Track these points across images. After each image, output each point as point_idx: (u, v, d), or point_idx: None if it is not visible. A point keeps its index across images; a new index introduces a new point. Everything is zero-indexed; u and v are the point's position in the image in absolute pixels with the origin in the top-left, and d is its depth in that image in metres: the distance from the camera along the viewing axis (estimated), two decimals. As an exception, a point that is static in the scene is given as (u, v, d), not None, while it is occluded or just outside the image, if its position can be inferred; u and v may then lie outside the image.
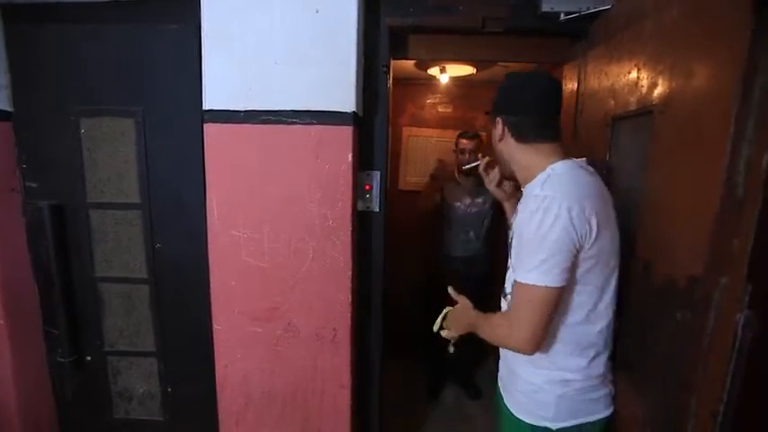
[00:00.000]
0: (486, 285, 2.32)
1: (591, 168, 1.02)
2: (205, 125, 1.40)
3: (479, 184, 2.31)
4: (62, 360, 1.62)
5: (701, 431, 0.81)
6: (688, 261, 0.85)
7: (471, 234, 2.36)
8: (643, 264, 1.02)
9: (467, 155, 2.24)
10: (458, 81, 2.92)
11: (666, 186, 0.96)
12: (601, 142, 1.28)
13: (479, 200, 2.34)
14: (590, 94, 1.42)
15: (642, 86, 1.06)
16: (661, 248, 0.96)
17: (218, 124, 1.39)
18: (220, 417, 1.58)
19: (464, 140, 2.29)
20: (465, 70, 2.59)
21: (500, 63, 2.55)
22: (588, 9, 1.31)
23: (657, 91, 0.99)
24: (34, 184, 1.55)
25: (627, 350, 1.08)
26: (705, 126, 0.82)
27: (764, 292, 0.86)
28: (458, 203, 2.35)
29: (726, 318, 0.77)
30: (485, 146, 2.29)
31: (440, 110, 3.09)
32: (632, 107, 1.12)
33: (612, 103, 1.24)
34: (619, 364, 1.08)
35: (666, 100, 0.96)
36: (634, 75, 1.11)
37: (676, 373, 0.88)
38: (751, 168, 0.74)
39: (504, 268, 1.09)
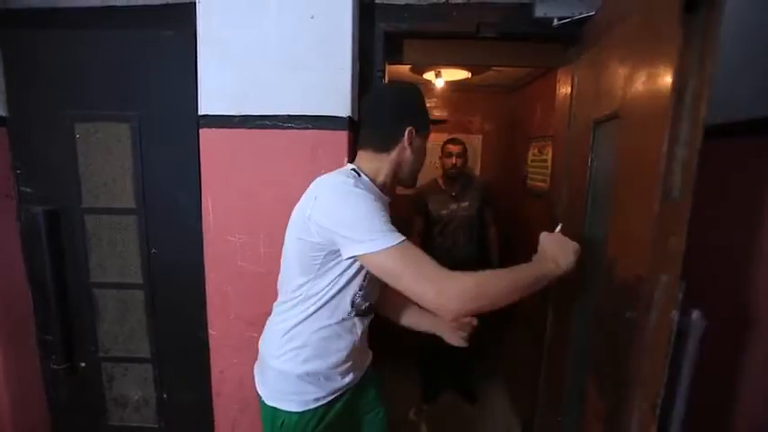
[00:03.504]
0: None
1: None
2: (201, 130, 1.40)
3: (464, 188, 2.38)
4: (56, 366, 1.61)
5: (643, 424, 0.83)
6: (637, 261, 0.89)
7: (461, 239, 2.37)
8: (608, 265, 1.05)
9: (453, 159, 2.32)
10: (453, 85, 2.94)
11: (625, 189, 1.00)
12: (585, 145, 1.30)
13: (465, 203, 2.37)
14: (580, 97, 1.44)
15: (615, 92, 1.09)
16: (621, 249, 1.00)
17: (213, 129, 1.39)
18: (216, 423, 1.57)
19: (451, 146, 2.37)
20: (460, 74, 2.61)
21: (494, 67, 2.58)
22: (581, 14, 1.33)
23: (622, 97, 1.02)
24: (29, 190, 1.54)
25: (593, 350, 1.11)
26: (650, 131, 0.86)
27: (704, 289, 0.90)
28: (444, 211, 2.36)
29: (666, 315, 0.80)
30: (467, 151, 2.41)
31: (435, 114, 3.10)
32: (606, 111, 1.14)
33: (594, 107, 1.26)
34: (590, 364, 1.11)
35: (627, 106, 0.99)
36: (609, 80, 1.14)
37: (627, 369, 0.91)
38: (685, 170, 0.78)
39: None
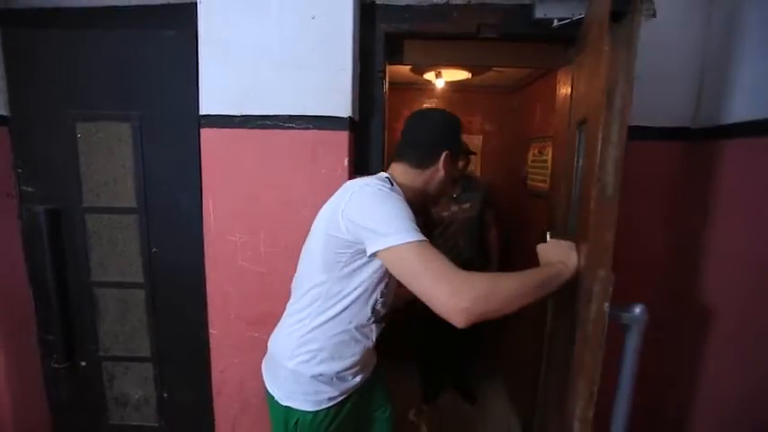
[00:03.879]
0: None
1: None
2: (202, 130, 1.41)
3: (465, 189, 2.35)
4: (57, 365, 1.61)
5: (583, 410, 0.89)
6: (586, 257, 0.93)
7: (461, 242, 2.35)
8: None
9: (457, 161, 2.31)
10: (453, 86, 2.94)
11: (583, 190, 1.05)
12: (573, 147, 1.32)
13: (466, 206, 2.34)
14: (575, 98, 1.46)
15: (585, 96, 1.12)
16: (579, 247, 1.03)
17: (214, 129, 1.40)
18: (216, 422, 1.57)
19: None
20: (460, 75, 2.61)
21: (495, 68, 2.58)
22: (581, 15, 1.33)
23: (588, 101, 1.05)
24: (30, 189, 1.55)
25: (553, 347, 1.17)
26: (593, 134, 0.91)
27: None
28: (445, 213, 2.34)
29: (601, 308, 0.85)
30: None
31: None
32: (582, 115, 1.17)
33: (577, 109, 1.28)
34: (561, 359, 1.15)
35: (589, 109, 1.02)
36: (584, 84, 1.16)
37: (573, 360, 0.96)
38: (617, 169, 0.84)
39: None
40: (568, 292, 1.01)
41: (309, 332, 1.02)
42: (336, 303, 1.00)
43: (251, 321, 1.48)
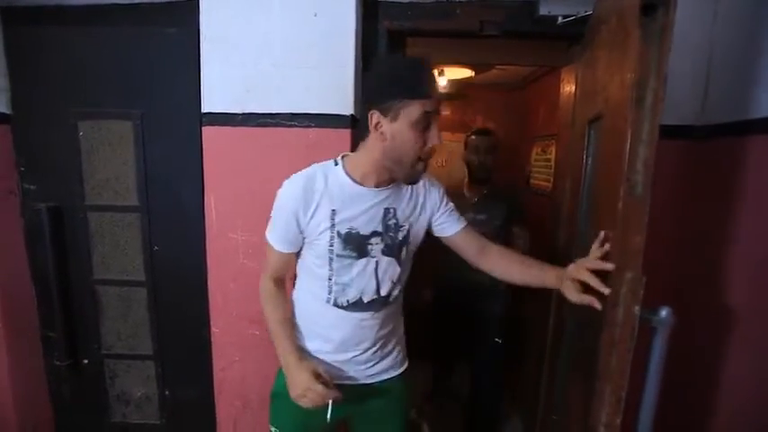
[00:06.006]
0: (502, 330, 1.91)
1: None
2: (204, 128, 1.41)
3: (489, 197, 1.87)
4: (59, 363, 1.62)
5: (610, 416, 0.86)
6: (610, 258, 0.90)
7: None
8: None
9: (479, 155, 1.86)
10: (456, 84, 2.93)
11: (601, 189, 1.03)
12: (582, 145, 1.31)
13: (482, 216, 1.82)
14: (581, 97, 1.44)
15: (600, 93, 1.10)
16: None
17: (216, 127, 1.40)
18: (218, 420, 1.57)
19: (476, 138, 1.90)
20: (463, 73, 2.61)
21: (498, 66, 2.57)
22: (585, 12, 1.32)
23: (604, 98, 1.03)
24: (32, 187, 1.55)
25: (576, 347, 1.14)
26: (618, 131, 0.88)
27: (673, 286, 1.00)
28: (464, 215, 1.98)
29: (630, 311, 0.82)
30: (500, 146, 1.95)
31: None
32: (595, 112, 1.15)
33: (589, 107, 1.26)
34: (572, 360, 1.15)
35: (607, 106, 1.00)
36: (597, 81, 1.14)
37: (598, 364, 0.93)
38: (647, 168, 0.81)
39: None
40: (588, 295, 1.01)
41: None
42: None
43: (252, 319, 1.48)
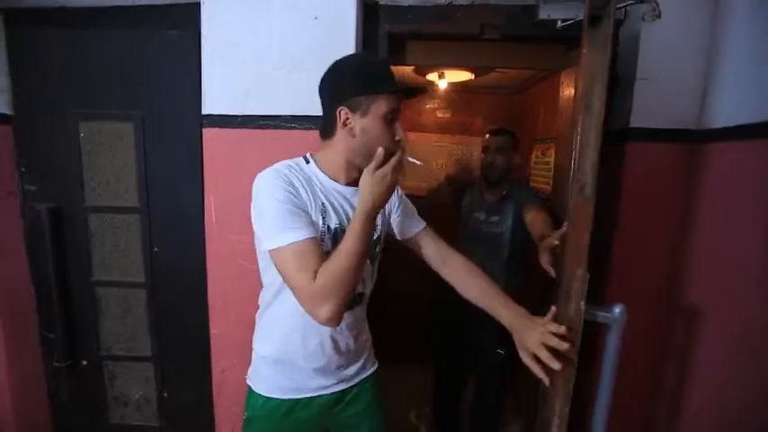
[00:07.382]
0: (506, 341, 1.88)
1: None
2: (204, 130, 1.41)
3: (502, 199, 1.78)
4: (58, 364, 1.62)
5: (561, 405, 0.91)
6: (567, 257, 0.95)
7: (487, 263, 1.60)
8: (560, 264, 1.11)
9: (491, 155, 1.77)
10: (456, 86, 2.94)
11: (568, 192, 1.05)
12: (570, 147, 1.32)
13: (494, 218, 1.75)
14: (579, 100, 1.44)
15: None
16: (562, 247, 1.05)
17: (216, 129, 1.40)
18: (217, 422, 1.57)
19: (490, 138, 1.81)
20: (463, 76, 2.61)
21: (498, 69, 2.57)
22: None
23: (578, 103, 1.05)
24: (33, 188, 1.55)
25: None
26: (570, 136, 0.93)
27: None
28: (476, 214, 1.82)
29: (578, 306, 0.86)
30: (519, 146, 1.87)
31: (438, 115, 3.10)
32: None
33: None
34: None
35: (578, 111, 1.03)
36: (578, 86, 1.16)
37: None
38: (594, 171, 0.85)
39: None
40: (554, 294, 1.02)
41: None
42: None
43: (251, 321, 1.47)
